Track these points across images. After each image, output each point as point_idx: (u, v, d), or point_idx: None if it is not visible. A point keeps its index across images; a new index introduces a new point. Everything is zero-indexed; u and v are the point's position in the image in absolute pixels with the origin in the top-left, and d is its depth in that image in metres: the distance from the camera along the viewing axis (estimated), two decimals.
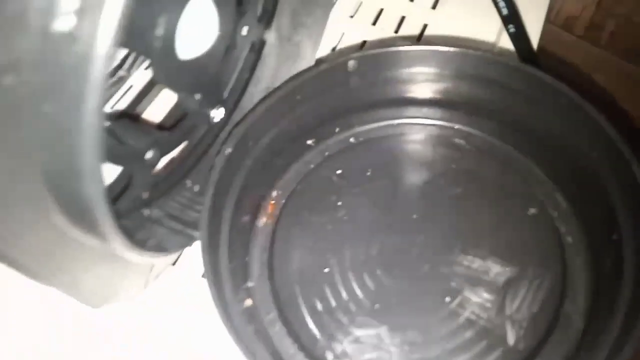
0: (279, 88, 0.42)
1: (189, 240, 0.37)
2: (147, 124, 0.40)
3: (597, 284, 0.38)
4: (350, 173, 0.47)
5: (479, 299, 0.39)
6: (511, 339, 0.37)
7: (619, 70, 0.46)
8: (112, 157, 0.33)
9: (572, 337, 0.37)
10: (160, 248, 0.34)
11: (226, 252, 0.38)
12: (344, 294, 0.41)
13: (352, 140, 0.49)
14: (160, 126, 0.41)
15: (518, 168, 0.45)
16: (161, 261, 0.39)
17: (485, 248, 0.41)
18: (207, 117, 0.41)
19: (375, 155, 0.48)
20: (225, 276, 0.37)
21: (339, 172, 0.47)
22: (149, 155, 0.36)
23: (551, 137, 0.44)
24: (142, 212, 0.37)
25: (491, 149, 0.46)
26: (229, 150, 0.39)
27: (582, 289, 0.38)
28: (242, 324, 0.35)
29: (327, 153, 0.48)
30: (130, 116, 0.39)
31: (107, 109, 0.37)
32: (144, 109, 0.44)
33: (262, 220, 0.45)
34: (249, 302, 0.40)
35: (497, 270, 0.40)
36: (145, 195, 0.38)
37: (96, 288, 0.32)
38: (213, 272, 0.34)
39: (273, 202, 0.47)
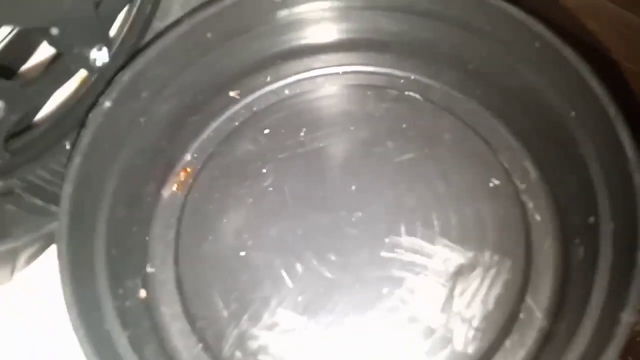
0: (179, 22, 0.33)
1: (49, 221, 0.29)
2: None
3: (567, 276, 0.31)
4: (280, 133, 0.38)
5: (423, 291, 0.32)
6: (459, 341, 0.30)
7: (617, 19, 0.37)
8: None
9: (534, 339, 0.30)
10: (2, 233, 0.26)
11: (104, 234, 0.30)
12: (261, 284, 0.33)
13: (286, 92, 0.40)
14: (9, 71, 0.31)
15: (481, 128, 0.37)
16: (33, 244, 0.31)
17: (436, 228, 0.33)
18: (85, 60, 0.32)
19: (312, 111, 0.39)
20: (100, 267, 0.29)
21: (266, 131, 0.39)
22: None
23: (522, 90, 0.35)
24: None
25: (450, 104, 0.38)
26: (107, 104, 0.30)
27: (549, 280, 0.31)
28: (117, 326, 0.27)
29: (255, 108, 0.40)
30: None
31: None
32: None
33: (170, 190, 0.37)
34: (142, 293, 0.33)
35: (446, 255, 0.33)
36: None
37: None
38: (72, 265, 0.26)
39: (187, 168, 0.38)
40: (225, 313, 0.33)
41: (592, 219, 0.29)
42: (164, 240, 0.36)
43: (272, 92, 0.40)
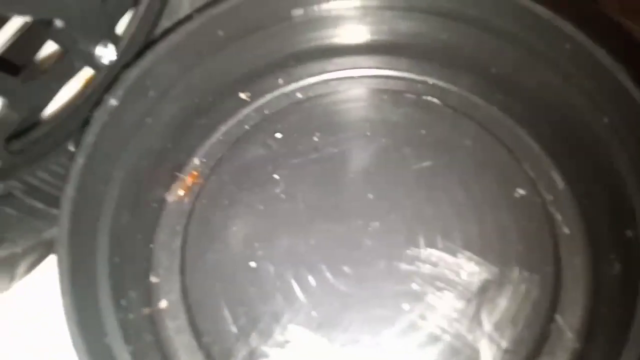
0: (189, 18, 0.31)
1: (49, 225, 0.27)
2: None
3: (600, 294, 0.29)
4: (292, 138, 0.36)
5: (446, 307, 0.30)
6: None
7: None
8: None
9: None
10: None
11: (106, 242, 0.28)
12: (271, 297, 0.31)
13: (298, 95, 0.39)
14: (14, 68, 0.30)
15: (503, 135, 0.35)
16: (35, 250, 0.29)
17: (458, 240, 0.31)
18: (89, 57, 0.30)
19: (326, 115, 0.37)
20: (102, 276, 0.27)
21: (278, 136, 0.37)
22: None
23: (548, 95, 0.34)
24: None
25: (471, 109, 0.36)
26: (112, 102, 0.28)
27: (580, 298, 0.29)
28: (119, 341, 0.25)
29: (266, 111, 0.38)
30: None
31: None
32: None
33: (176, 196, 0.35)
34: (145, 311, 0.30)
35: (471, 269, 0.31)
36: None
37: None
38: (72, 273, 0.24)
39: (194, 172, 0.36)
40: (233, 328, 0.31)
41: (630, 233, 0.27)
42: (169, 249, 0.34)
43: (284, 94, 0.38)
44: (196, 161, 0.36)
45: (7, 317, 0.32)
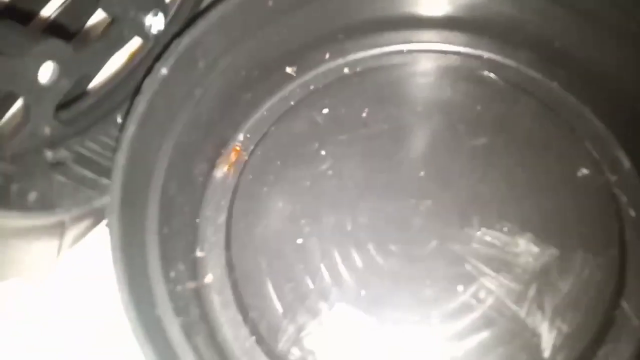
0: None
1: (100, 194, 0.27)
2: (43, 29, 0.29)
3: None
4: (340, 114, 0.35)
5: (502, 290, 0.28)
6: (547, 348, 0.27)
7: None
8: None
9: (632, 350, 0.26)
10: (47, 204, 0.24)
11: (156, 212, 0.27)
12: (319, 274, 0.30)
13: (346, 70, 0.38)
14: (67, 33, 0.29)
15: (564, 113, 0.34)
16: (81, 221, 0.29)
17: (516, 221, 0.30)
18: (140, 26, 0.30)
19: (375, 91, 0.36)
20: (152, 247, 0.26)
21: (325, 111, 0.36)
22: (44, 72, 0.25)
23: (614, 72, 0.32)
24: (41, 154, 0.27)
25: (529, 86, 0.34)
26: (163, 71, 0.28)
27: None
28: (170, 312, 0.25)
29: (312, 86, 0.37)
30: (16, 14, 0.27)
31: None
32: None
33: (222, 171, 0.35)
34: (190, 285, 0.30)
35: (530, 251, 0.29)
36: (47, 131, 0.27)
37: None
38: (124, 241, 0.23)
39: (238, 147, 0.36)
40: (280, 304, 0.30)
41: None
42: (215, 224, 0.33)
43: (331, 69, 0.37)
44: (241, 136, 0.36)
45: (57, 288, 0.32)
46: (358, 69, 0.37)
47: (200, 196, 0.33)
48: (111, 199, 0.24)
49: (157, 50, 0.32)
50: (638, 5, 0.28)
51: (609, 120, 0.33)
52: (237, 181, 0.34)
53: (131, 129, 0.26)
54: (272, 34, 0.34)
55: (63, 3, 0.28)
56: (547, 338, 0.27)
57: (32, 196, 0.23)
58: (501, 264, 0.29)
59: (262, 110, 0.37)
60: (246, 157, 0.35)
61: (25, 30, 0.27)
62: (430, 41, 0.36)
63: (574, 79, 0.34)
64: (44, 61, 0.25)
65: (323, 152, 0.34)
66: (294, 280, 0.31)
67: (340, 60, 0.37)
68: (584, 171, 0.31)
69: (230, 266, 0.32)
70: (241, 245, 0.32)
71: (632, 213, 0.30)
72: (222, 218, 0.33)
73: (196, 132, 0.32)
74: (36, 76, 0.25)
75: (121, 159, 0.25)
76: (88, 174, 0.27)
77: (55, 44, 0.25)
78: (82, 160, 0.27)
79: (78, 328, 0.30)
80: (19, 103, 0.26)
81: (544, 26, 0.33)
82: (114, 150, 0.28)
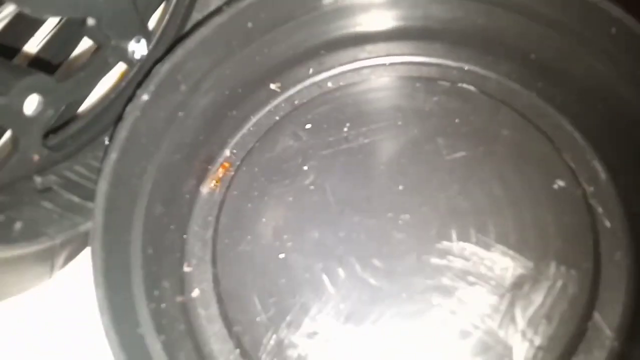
0: (219, 11, 0.31)
1: (86, 219, 0.28)
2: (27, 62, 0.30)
3: None
4: (322, 128, 0.36)
5: (478, 303, 0.29)
6: (518, 359, 0.27)
7: None
8: None
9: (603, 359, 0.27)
10: (32, 233, 0.25)
11: (139, 234, 0.28)
12: (301, 289, 0.31)
13: (329, 84, 0.38)
14: (50, 66, 0.31)
15: (542, 124, 0.34)
16: (71, 243, 0.30)
17: (492, 234, 0.31)
18: (123, 52, 0.31)
19: (356, 105, 0.37)
20: (135, 267, 0.27)
21: (308, 126, 0.37)
22: (29, 104, 0.26)
23: (592, 82, 0.32)
24: (30, 181, 0.28)
25: (508, 97, 0.35)
26: (144, 97, 0.29)
27: (620, 295, 0.28)
28: (151, 331, 0.26)
29: (296, 101, 0.38)
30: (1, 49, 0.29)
31: None
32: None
33: (208, 187, 0.36)
34: (179, 298, 0.31)
35: (505, 264, 0.30)
36: (35, 158, 0.28)
37: None
38: (106, 265, 0.25)
39: (225, 163, 0.37)
40: (263, 318, 0.31)
41: None
42: (202, 239, 0.34)
43: (314, 84, 0.38)
44: (227, 152, 0.37)
45: (44, 309, 0.34)
46: (341, 83, 0.38)
47: (187, 212, 0.35)
48: (93, 224, 0.26)
49: (141, 74, 0.33)
50: (608, 21, 0.29)
51: (586, 131, 0.33)
52: (223, 197, 0.35)
53: (113, 156, 0.27)
54: (253, 53, 0.35)
55: (46, 36, 0.30)
56: (519, 350, 0.28)
57: (17, 226, 0.25)
58: (476, 277, 0.30)
59: (248, 126, 0.38)
60: (232, 173, 0.36)
61: (8, 65, 0.28)
62: (410, 54, 0.37)
63: (552, 91, 0.34)
64: (28, 94, 0.26)
65: (306, 167, 0.35)
66: (276, 295, 0.32)
67: (324, 75, 0.38)
68: (560, 183, 0.31)
69: (216, 281, 0.33)
70: (227, 260, 0.33)
71: (607, 224, 0.30)
72: (209, 233, 0.34)
73: (181, 152, 0.33)
74: (21, 109, 0.26)
75: (103, 185, 0.26)
76: (74, 198, 0.28)
77: (39, 77, 0.26)
78: (69, 185, 0.29)
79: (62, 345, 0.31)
80: (6, 135, 0.28)
81: (520, 38, 0.33)
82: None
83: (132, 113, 0.29)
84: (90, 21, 0.28)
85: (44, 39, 0.30)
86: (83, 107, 0.34)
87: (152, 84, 0.29)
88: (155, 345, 0.26)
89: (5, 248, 0.23)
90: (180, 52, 0.30)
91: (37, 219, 0.26)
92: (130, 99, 0.29)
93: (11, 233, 0.24)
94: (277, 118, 0.38)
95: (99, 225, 0.25)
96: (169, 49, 0.32)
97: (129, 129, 0.28)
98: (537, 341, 0.28)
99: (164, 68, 0.30)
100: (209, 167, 0.36)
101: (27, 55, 0.30)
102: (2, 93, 0.25)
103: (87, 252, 0.34)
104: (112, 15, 0.28)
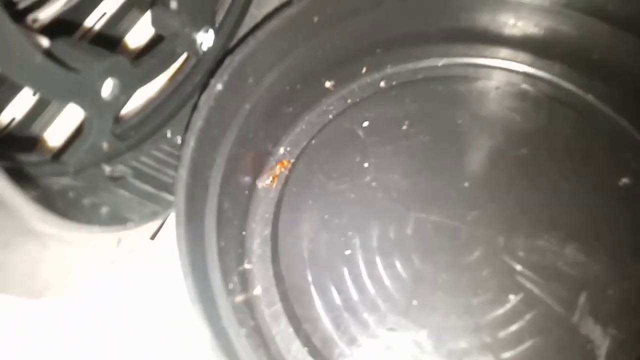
0: (289, 4, 0.31)
1: (164, 209, 0.27)
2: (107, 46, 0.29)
3: None
4: (380, 126, 0.36)
5: (552, 297, 0.29)
6: (601, 355, 0.27)
7: None
8: (54, 88, 0.23)
9: None
10: (118, 219, 0.24)
11: (214, 225, 0.28)
12: (370, 285, 0.31)
13: (382, 84, 0.38)
14: (126, 50, 0.30)
15: (602, 124, 0.34)
16: (130, 234, 0.29)
17: (563, 230, 0.31)
18: (192, 42, 0.30)
19: (414, 104, 0.37)
20: (212, 259, 0.27)
21: (365, 124, 0.36)
22: (106, 87, 0.26)
23: None
24: (100, 169, 0.27)
25: (570, 98, 0.35)
26: (219, 86, 0.28)
27: None
28: (234, 324, 0.25)
29: (350, 100, 0.38)
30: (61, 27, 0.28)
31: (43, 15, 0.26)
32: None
33: (266, 183, 0.35)
34: (239, 298, 0.30)
35: (579, 259, 0.30)
36: (105, 145, 0.27)
37: (21, 275, 0.22)
38: (191, 255, 0.24)
39: (281, 160, 0.36)
40: (332, 315, 0.30)
41: None
42: (260, 236, 0.33)
43: (369, 83, 0.38)
44: (282, 150, 0.36)
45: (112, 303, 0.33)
46: (394, 83, 0.38)
47: (246, 209, 0.34)
48: (177, 212, 0.25)
49: (205, 66, 0.32)
50: None
51: None
52: (281, 194, 0.35)
53: (191, 144, 0.26)
54: (314, 48, 0.35)
55: (102, 17, 0.29)
56: (601, 344, 0.27)
57: (104, 210, 0.24)
58: (551, 272, 0.29)
59: (302, 124, 0.37)
60: (288, 170, 0.36)
61: (88, 46, 0.27)
62: (468, 55, 0.37)
63: (611, 90, 0.34)
64: (107, 77, 0.25)
65: (366, 165, 0.35)
66: (343, 292, 0.31)
67: (377, 75, 0.38)
68: (625, 180, 0.32)
69: (278, 278, 0.32)
70: (289, 257, 0.32)
71: None
72: (267, 230, 0.34)
73: (244, 145, 0.33)
74: (99, 91, 0.26)
75: (183, 174, 0.26)
76: (149, 188, 0.27)
77: (118, 60, 0.26)
78: (140, 175, 0.28)
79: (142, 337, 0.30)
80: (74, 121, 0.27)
81: (583, 39, 0.34)
82: (169, 165, 0.29)
83: (206, 102, 0.28)
84: (174, 4, 0.27)
85: (100, 19, 0.29)
86: (139, 102, 0.33)
87: (225, 74, 0.29)
88: (239, 339, 0.25)
89: (97, 229, 0.22)
90: (252, 43, 0.30)
91: (119, 205, 0.25)
92: (203, 89, 0.29)
93: (99, 216, 0.23)
94: (331, 117, 0.37)
95: (182, 214, 0.25)
96: (241, 40, 0.31)
97: (204, 118, 0.28)
98: (619, 336, 0.27)
99: (236, 58, 0.30)
100: (266, 163, 0.36)
101: (86, 33, 0.29)
102: (84, 74, 0.24)
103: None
104: (193, 3, 0.28)
